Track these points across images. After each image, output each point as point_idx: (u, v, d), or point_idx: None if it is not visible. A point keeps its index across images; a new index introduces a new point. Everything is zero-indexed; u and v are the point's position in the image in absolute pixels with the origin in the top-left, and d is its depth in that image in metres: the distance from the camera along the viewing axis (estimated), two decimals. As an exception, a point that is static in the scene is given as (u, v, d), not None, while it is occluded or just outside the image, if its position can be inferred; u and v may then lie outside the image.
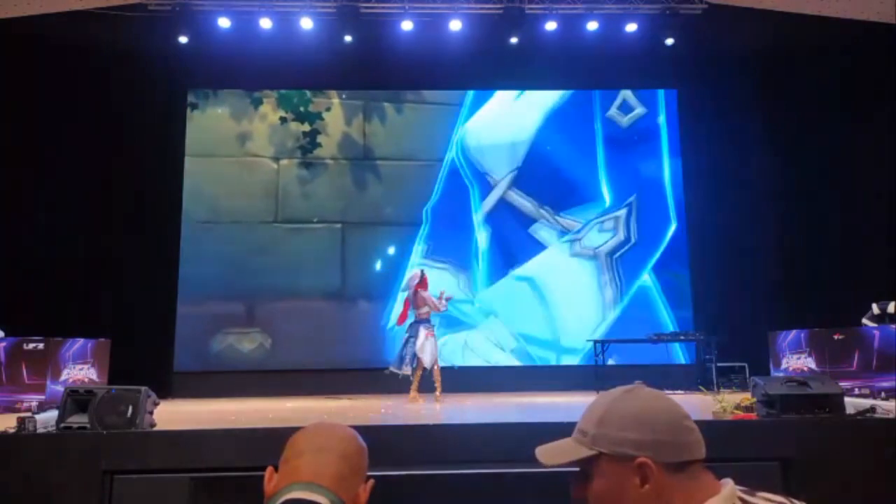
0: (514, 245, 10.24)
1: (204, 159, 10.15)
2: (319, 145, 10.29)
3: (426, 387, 7.76)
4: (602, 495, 1.09)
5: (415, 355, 7.62)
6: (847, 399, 4.59)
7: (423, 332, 7.66)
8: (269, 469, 1.18)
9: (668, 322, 9.98)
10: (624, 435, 1.07)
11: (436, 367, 7.70)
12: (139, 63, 9.44)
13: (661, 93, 10.53)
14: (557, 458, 1.13)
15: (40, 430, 4.06)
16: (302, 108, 10.34)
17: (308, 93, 10.37)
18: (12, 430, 4.03)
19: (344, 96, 10.41)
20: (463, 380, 8.81)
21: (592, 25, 9.50)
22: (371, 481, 1.21)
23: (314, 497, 1.09)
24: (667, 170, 10.39)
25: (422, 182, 10.29)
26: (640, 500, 1.05)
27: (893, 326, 7.23)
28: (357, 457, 1.20)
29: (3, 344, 6.90)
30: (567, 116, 10.50)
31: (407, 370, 7.64)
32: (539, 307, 10.06)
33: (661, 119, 10.49)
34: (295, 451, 1.17)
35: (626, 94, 10.53)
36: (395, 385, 7.94)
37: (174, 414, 5.84)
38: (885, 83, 8.63)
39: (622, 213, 10.33)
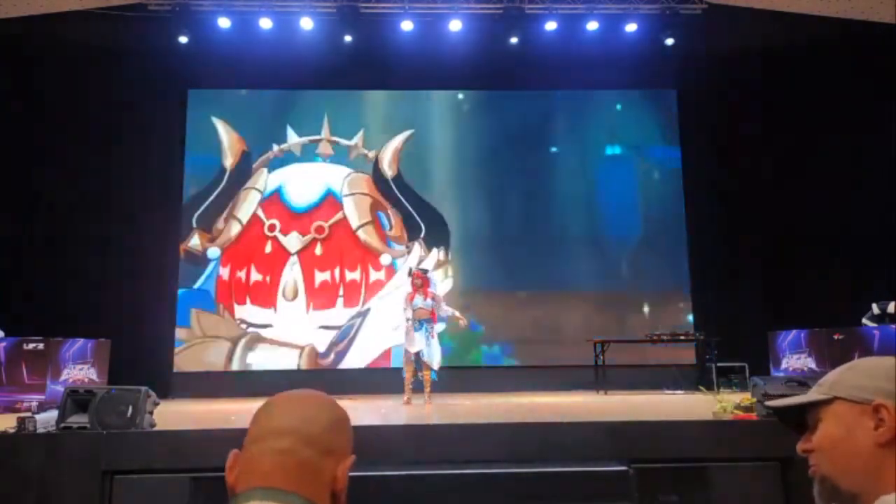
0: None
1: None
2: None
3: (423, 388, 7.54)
4: (829, 438, 1.04)
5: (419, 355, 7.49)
6: (847, 399, 4.58)
7: (424, 333, 7.49)
8: (233, 453, 1.05)
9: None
10: (865, 382, 1.02)
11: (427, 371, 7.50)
12: (139, 63, 9.44)
13: (660, 93, 10.52)
14: (788, 402, 1.10)
15: (40, 430, 4.05)
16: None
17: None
18: (12, 430, 4.02)
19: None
20: (462, 380, 8.80)
21: (592, 25, 9.50)
22: (350, 457, 1.06)
23: None
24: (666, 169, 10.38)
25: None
26: (869, 446, 0.99)
27: (893, 326, 7.24)
28: (327, 434, 1.05)
29: (3, 344, 6.90)
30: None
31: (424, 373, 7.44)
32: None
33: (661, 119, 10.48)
34: (255, 434, 1.05)
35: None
36: (394, 385, 7.91)
37: (174, 414, 5.85)
38: (886, 83, 8.63)
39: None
